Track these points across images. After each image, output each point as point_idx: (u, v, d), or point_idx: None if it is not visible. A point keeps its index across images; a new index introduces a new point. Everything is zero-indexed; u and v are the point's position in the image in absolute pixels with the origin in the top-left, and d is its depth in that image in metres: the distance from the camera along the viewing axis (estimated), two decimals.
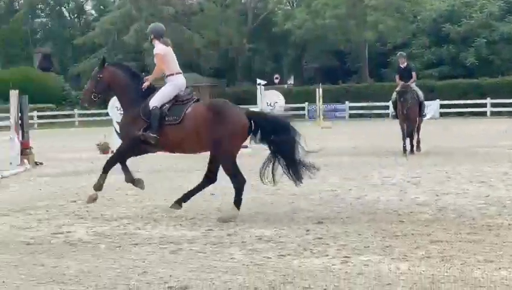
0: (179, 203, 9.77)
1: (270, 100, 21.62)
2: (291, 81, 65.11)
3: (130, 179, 9.86)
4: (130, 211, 9.99)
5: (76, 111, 50.84)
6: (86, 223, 9.13)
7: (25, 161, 16.90)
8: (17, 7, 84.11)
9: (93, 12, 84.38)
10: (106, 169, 9.78)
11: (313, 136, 27.61)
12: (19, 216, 9.80)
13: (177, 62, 10.07)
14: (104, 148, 20.43)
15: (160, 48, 9.89)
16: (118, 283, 6.10)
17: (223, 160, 9.33)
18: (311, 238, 7.85)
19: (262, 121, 9.43)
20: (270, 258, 6.95)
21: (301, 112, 49.21)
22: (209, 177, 9.67)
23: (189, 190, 9.89)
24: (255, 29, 62.80)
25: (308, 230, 8.28)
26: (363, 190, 11.53)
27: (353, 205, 10.06)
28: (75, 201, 11.10)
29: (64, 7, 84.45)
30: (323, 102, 39.38)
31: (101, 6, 78.57)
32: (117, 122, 20.54)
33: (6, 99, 18.68)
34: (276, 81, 57.02)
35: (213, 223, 8.89)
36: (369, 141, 23.56)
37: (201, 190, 9.78)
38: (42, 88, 53.28)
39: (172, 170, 15.63)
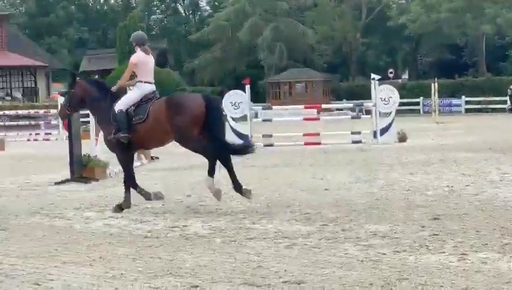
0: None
1: (384, 95, 21.33)
2: (405, 75, 64.24)
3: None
4: (245, 206, 10.02)
5: None
6: (201, 218, 9.23)
7: (141, 155, 17.23)
8: (134, 4, 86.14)
9: (207, 8, 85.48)
10: (133, 186, 10.25)
11: (429, 131, 27.26)
12: (135, 210, 9.99)
13: (151, 72, 10.51)
14: None
15: (134, 56, 10.35)
16: (233, 277, 6.13)
17: (190, 144, 10.02)
18: (427, 234, 7.68)
19: (214, 104, 10.09)
20: (385, 254, 6.83)
21: (416, 107, 48.44)
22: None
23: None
24: (368, 24, 62.22)
25: (423, 226, 8.11)
26: (480, 186, 11.20)
27: (470, 202, 9.79)
28: (190, 195, 11.25)
29: (180, 4, 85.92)
30: (439, 96, 38.65)
31: (216, 3, 79.47)
32: (231, 117, 20.76)
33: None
34: (391, 75, 56.38)
35: (327, 219, 8.82)
36: (486, 136, 22.94)
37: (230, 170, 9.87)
38: (157, 84, 54.13)
39: (289, 165, 15.63)
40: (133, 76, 10.41)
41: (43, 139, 27.53)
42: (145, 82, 10.26)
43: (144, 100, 10.17)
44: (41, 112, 36.53)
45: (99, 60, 71.20)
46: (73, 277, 6.26)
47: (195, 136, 9.85)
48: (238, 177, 9.86)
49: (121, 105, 10.08)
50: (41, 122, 35.27)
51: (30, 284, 6.07)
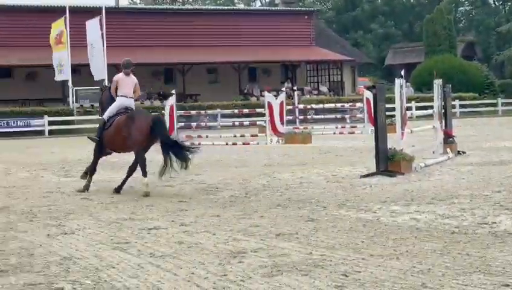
0: None
1: None
2: None
3: None
4: None
5: (499, 100, 49.84)
6: (511, 214, 8.84)
7: (448, 149, 16.94)
8: None
9: None
10: (90, 172, 13.67)
11: None
12: (442, 205, 9.82)
13: (130, 87, 13.47)
14: None
15: (116, 75, 13.79)
16: None
17: (135, 148, 12.78)
18: None
19: (157, 122, 12.67)
20: None
21: None
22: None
23: None
24: None
25: None
26: None
27: None
28: (499, 191, 10.83)
29: None
30: None
31: None
32: None
33: (430, 88, 18.96)
34: None
35: None
36: None
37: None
38: (465, 77, 53.14)
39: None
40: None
41: (349, 133, 28.07)
42: (121, 96, 13.27)
43: (121, 113, 13.03)
44: (347, 105, 37.34)
45: (405, 54, 71.27)
46: (380, 270, 6.27)
47: (139, 143, 12.69)
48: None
49: (106, 113, 13.40)
50: (347, 116, 36.04)
51: (338, 274, 6.18)
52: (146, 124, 12.59)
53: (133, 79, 13.64)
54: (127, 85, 13.50)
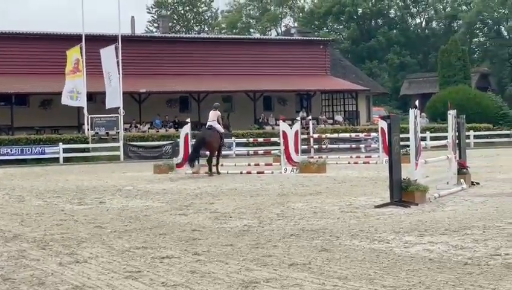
0: None
1: None
2: None
3: None
4: None
5: None
6: None
7: (462, 180, 16.90)
8: (455, 28, 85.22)
9: None
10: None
11: None
12: (455, 236, 9.79)
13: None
14: None
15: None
16: None
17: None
18: None
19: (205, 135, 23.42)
20: None
21: None
22: None
23: None
24: None
25: None
26: None
27: None
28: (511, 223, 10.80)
29: (503, 26, 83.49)
30: None
31: None
32: None
33: (444, 118, 19.01)
34: None
35: None
36: None
37: None
38: (479, 108, 53.11)
39: None
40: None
41: (363, 162, 28.05)
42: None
43: None
44: (361, 135, 37.35)
45: (420, 84, 71.37)
46: None
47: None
48: None
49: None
50: (362, 145, 36.04)
51: None
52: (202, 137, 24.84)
53: (217, 112, 25.80)
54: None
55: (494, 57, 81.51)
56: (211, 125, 25.55)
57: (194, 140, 25.94)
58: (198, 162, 25.28)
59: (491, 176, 20.19)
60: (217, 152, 25.41)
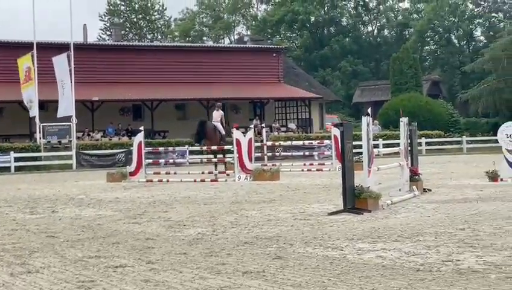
0: None
1: None
2: None
3: None
4: None
5: (464, 138, 50.42)
6: (475, 252, 8.93)
7: (414, 187, 17.08)
8: (407, 36, 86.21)
9: (482, 38, 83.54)
10: None
11: None
12: (408, 242, 9.89)
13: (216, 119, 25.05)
14: (493, 176, 19.95)
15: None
16: None
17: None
18: None
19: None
20: None
21: None
22: None
23: None
24: None
25: None
26: None
27: None
28: (463, 229, 10.94)
29: (453, 34, 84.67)
30: None
31: (490, 32, 77.44)
32: (506, 149, 19.96)
33: (396, 125, 19.22)
34: None
35: None
36: None
37: None
38: (431, 115, 53.77)
39: None
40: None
41: (317, 170, 28.19)
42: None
43: None
44: (315, 142, 37.52)
45: (372, 91, 72.07)
46: None
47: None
48: None
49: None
50: (315, 153, 36.21)
51: None
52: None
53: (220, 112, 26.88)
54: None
55: (445, 64, 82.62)
56: (215, 125, 27.28)
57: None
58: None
59: (442, 183, 20.44)
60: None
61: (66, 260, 9.32)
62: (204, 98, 50.97)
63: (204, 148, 27.28)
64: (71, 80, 42.08)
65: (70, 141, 42.53)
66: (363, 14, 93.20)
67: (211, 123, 27.68)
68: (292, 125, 54.40)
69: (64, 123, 43.15)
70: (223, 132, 27.15)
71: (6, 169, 39.56)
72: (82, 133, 46.22)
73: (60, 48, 44.94)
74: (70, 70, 42.12)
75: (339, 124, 11.52)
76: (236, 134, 25.22)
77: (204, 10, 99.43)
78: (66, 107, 42.19)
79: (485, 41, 79.84)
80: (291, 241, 10.34)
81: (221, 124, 27.34)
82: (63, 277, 8.18)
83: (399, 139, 17.97)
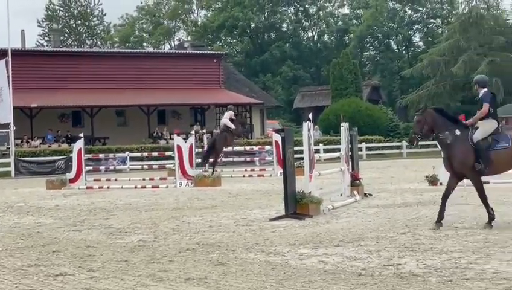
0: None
1: None
2: None
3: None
4: (461, 245, 9.73)
5: (404, 143, 51.01)
6: (416, 256, 9.04)
7: (355, 192, 17.22)
8: (347, 41, 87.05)
9: (421, 44, 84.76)
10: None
11: None
12: (349, 247, 9.96)
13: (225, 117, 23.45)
14: (432, 180, 20.24)
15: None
16: None
17: None
18: None
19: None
20: None
21: None
22: None
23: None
24: None
25: None
26: None
27: None
28: (404, 233, 11.07)
29: (392, 40, 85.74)
30: None
31: (429, 38, 78.65)
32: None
33: (337, 131, 19.35)
34: None
35: None
36: None
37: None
38: (371, 120, 54.31)
39: (506, 203, 14.99)
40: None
41: (258, 175, 28.23)
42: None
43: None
44: (256, 148, 37.55)
45: (313, 97, 72.48)
46: None
47: None
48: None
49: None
50: (256, 159, 36.25)
51: None
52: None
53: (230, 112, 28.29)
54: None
55: (384, 70, 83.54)
56: (225, 126, 28.76)
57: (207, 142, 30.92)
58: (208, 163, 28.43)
59: (383, 187, 20.65)
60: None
61: (5, 269, 9.15)
62: (144, 104, 50.61)
63: (145, 154, 26.92)
64: (9, 86, 41.37)
65: (9, 148, 41.77)
66: (303, 20, 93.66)
67: (217, 134, 30.23)
68: None
69: (2, 130, 42.38)
70: (232, 126, 28.47)
71: None
72: (20, 140, 45.45)
73: None
74: (8, 77, 41.40)
75: (280, 130, 11.57)
76: (177, 140, 25.09)
77: (144, 16, 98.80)
78: (4, 114, 41.47)
79: (423, 46, 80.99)
80: (233, 247, 10.33)
81: (232, 121, 28.70)
82: (2, 286, 8.02)
83: (340, 144, 18.09)
